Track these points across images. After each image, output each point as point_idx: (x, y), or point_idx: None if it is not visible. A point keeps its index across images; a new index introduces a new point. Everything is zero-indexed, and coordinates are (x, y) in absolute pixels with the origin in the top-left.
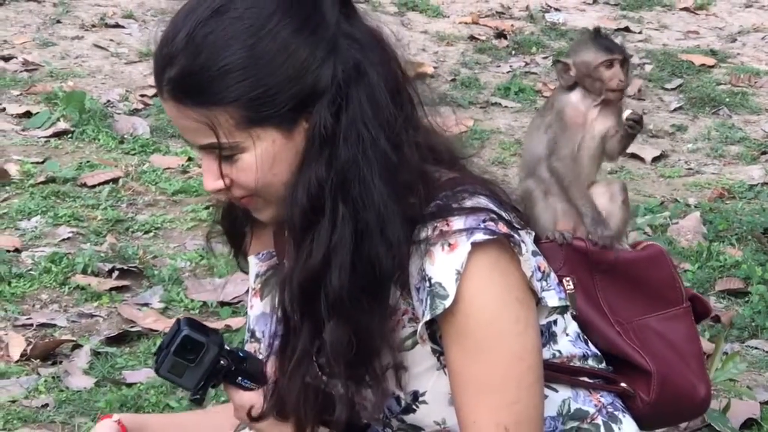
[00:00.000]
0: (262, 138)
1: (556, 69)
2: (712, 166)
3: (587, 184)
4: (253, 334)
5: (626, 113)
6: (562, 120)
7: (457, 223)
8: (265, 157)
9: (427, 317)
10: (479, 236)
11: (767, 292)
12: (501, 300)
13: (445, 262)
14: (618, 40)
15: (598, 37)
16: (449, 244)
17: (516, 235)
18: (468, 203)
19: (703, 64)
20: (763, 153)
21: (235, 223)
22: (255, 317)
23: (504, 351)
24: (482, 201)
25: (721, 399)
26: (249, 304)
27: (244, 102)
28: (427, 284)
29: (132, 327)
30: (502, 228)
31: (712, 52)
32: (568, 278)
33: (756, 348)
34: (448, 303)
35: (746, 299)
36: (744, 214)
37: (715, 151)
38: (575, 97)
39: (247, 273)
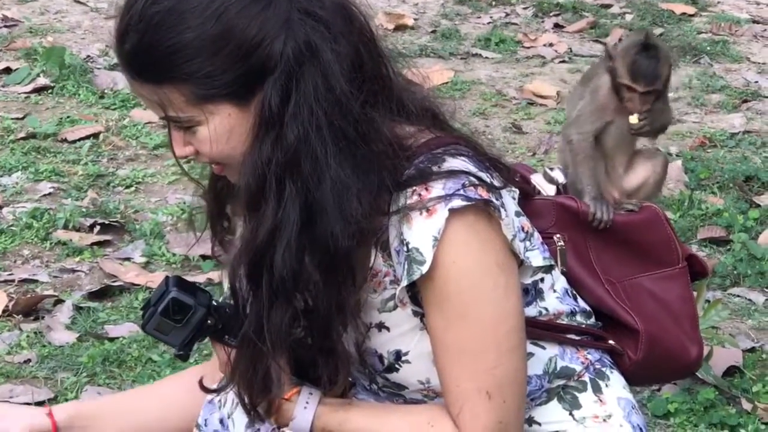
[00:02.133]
0: (215, 113)
1: (603, 51)
2: (694, 114)
3: (627, 157)
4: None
5: (632, 119)
6: (596, 97)
7: (436, 188)
8: (221, 131)
9: (405, 282)
10: (457, 202)
11: (749, 240)
12: (479, 265)
13: (423, 228)
14: (662, 64)
15: (641, 55)
16: (427, 210)
17: (495, 200)
18: (447, 165)
19: (683, 13)
20: (744, 101)
21: (219, 196)
22: None
23: (483, 316)
24: (462, 163)
25: (704, 347)
26: None
27: (194, 80)
28: (405, 249)
29: (114, 282)
30: (482, 193)
31: (693, 1)
32: (558, 235)
33: (738, 296)
34: (425, 269)
35: (728, 247)
36: (725, 163)
37: (696, 100)
38: (609, 80)
39: (220, 261)
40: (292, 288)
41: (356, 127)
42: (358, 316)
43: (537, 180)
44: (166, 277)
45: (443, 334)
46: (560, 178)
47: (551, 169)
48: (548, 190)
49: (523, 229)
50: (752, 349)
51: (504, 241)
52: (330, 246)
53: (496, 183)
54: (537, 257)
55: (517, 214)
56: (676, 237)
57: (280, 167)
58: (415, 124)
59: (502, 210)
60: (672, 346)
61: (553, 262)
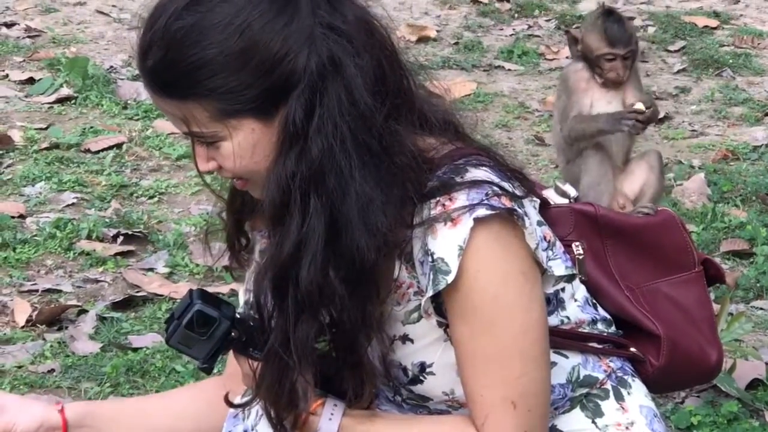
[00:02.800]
0: (239, 128)
1: (567, 38)
2: (716, 127)
3: (621, 165)
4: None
5: (639, 105)
6: (567, 85)
7: (460, 198)
8: (245, 146)
9: (430, 293)
10: (482, 211)
11: None
12: (504, 275)
13: (448, 238)
14: (629, 25)
15: (608, 20)
16: (452, 220)
17: (518, 209)
18: (470, 176)
19: (706, 26)
20: (767, 114)
21: (238, 213)
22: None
23: (508, 325)
24: (485, 173)
25: (727, 360)
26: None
27: (217, 96)
28: (430, 259)
29: (137, 292)
30: (505, 202)
31: (715, 14)
32: (577, 242)
33: (761, 309)
34: (450, 278)
35: (751, 260)
36: (748, 175)
37: (718, 113)
38: (581, 65)
39: (236, 280)
40: (318, 302)
41: (380, 140)
42: (383, 329)
43: (549, 195)
44: (190, 290)
45: (468, 343)
46: (572, 192)
47: (563, 183)
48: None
49: (545, 238)
50: None
51: (528, 250)
52: (356, 259)
53: (518, 192)
54: (559, 266)
55: (539, 224)
56: (691, 241)
57: (305, 181)
58: (437, 136)
59: (525, 219)
60: (692, 350)
61: (575, 271)
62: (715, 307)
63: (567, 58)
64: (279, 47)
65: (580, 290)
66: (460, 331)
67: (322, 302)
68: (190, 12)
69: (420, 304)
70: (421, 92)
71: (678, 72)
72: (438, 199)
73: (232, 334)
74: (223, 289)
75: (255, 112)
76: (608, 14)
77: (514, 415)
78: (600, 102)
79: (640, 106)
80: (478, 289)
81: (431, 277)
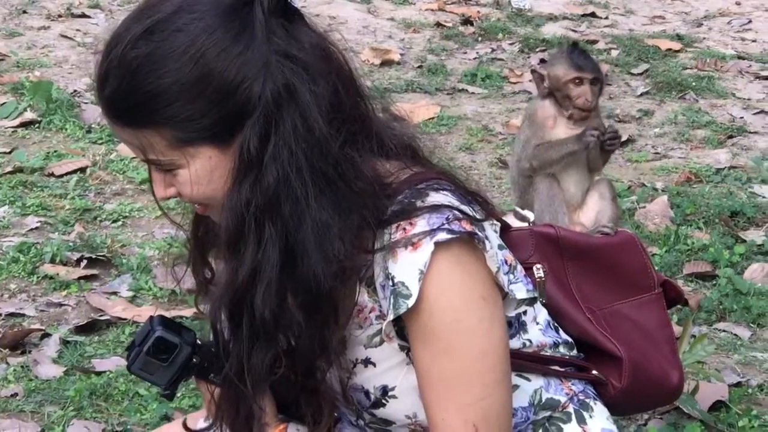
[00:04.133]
0: (196, 155)
1: (533, 77)
2: (679, 150)
3: (577, 203)
4: None
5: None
6: (533, 121)
7: (421, 222)
8: (202, 173)
9: (391, 317)
10: (442, 235)
11: (734, 275)
12: (465, 299)
13: (409, 262)
14: (593, 57)
15: (573, 52)
16: (412, 244)
17: (479, 232)
18: (430, 200)
19: (669, 49)
20: (730, 137)
21: (201, 242)
22: None
23: (469, 349)
24: (445, 197)
25: (690, 381)
26: None
27: (173, 124)
28: (391, 283)
29: (101, 316)
30: (466, 226)
31: (678, 37)
32: (538, 265)
33: (724, 331)
34: (411, 302)
35: (714, 282)
36: (711, 198)
37: (681, 136)
38: (547, 102)
39: (202, 314)
40: (273, 329)
41: (336, 167)
42: (342, 354)
43: (509, 220)
44: (151, 317)
45: (429, 367)
46: (531, 216)
47: (522, 208)
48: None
49: (506, 261)
50: (738, 384)
51: (488, 273)
52: (312, 286)
53: (479, 216)
54: (521, 290)
55: (500, 247)
56: (650, 262)
57: (260, 209)
58: (395, 161)
59: (486, 242)
60: (654, 372)
61: (536, 294)
62: (678, 329)
63: (530, 81)
64: (234, 75)
65: (542, 313)
66: (421, 354)
67: (278, 329)
68: (146, 41)
69: (381, 328)
70: (380, 117)
71: (641, 95)
72: (399, 223)
73: (194, 359)
74: (186, 312)
75: (211, 140)
76: (573, 47)
77: None
78: (561, 129)
79: (590, 132)
80: (439, 313)
81: (392, 301)
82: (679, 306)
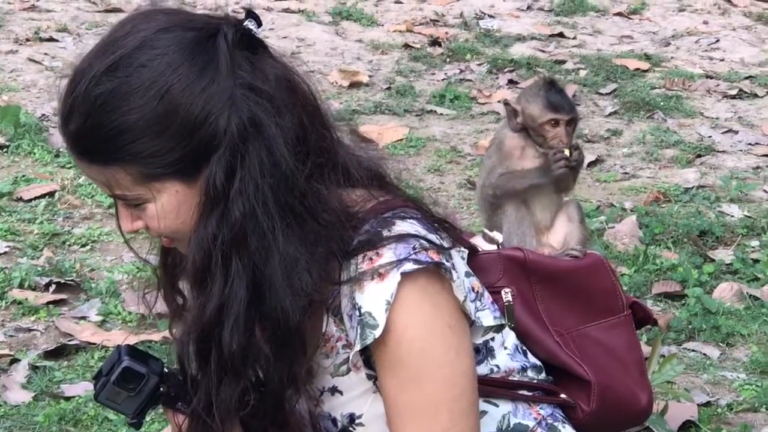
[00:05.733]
0: (162, 190)
1: (506, 110)
2: (648, 170)
3: (545, 226)
4: None
5: (566, 152)
6: (500, 149)
7: (387, 253)
8: (168, 207)
9: (358, 347)
10: (408, 266)
11: (703, 295)
12: (432, 328)
13: (375, 292)
14: (568, 95)
15: (550, 90)
16: (379, 274)
17: (446, 262)
18: (397, 229)
19: (637, 69)
20: (698, 156)
21: (170, 271)
22: None
23: (436, 378)
24: (411, 226)
25: (659, 401)
26: None
27: (139, 161)
28: (358, 313)
29: (70, 340)
30: (433, 256)
31: (646, 57)
32: (507, 289)
33: (693, 350)
34: (378, 333)
35: (683, 302)
36: (680, 218)
37: (650, 155)
38: (517, 134)
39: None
40: (241, 363)
41: (302, 200)
42: (310, 384)
43: (477, 242)
44: (118, 346)
45: (396, 396)
46: (499, 238)
47: (490, 230)
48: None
49: (473, 289)
50: (707, 404)
51: (455, 302)
52: (280, 320)
53: (446, 244)
54: (488, 317)
55: (467, 275)
56: (619, 284)
57: (226, 244)
58: (361, 189)
59: (453, 272)
60: (623, 394)
61: (504, 321)
62: (647, 349)
63: (499, 102)
64: (200, 110)
65: (510, 337)
66: (388, 384)
67: (246, 363)
68: (110, 77)
69: (348, 357)
70: (346, 145)
71: (610, 115)
72: (365, 253)
73: (161, 389)
74: (155, 336)
75: (178, 175)
76: (549, 85)
77: None
78: (528, 160)
79: (565, 151)
80: (406, 343)
81: (359, 331)
82: (648, 326)
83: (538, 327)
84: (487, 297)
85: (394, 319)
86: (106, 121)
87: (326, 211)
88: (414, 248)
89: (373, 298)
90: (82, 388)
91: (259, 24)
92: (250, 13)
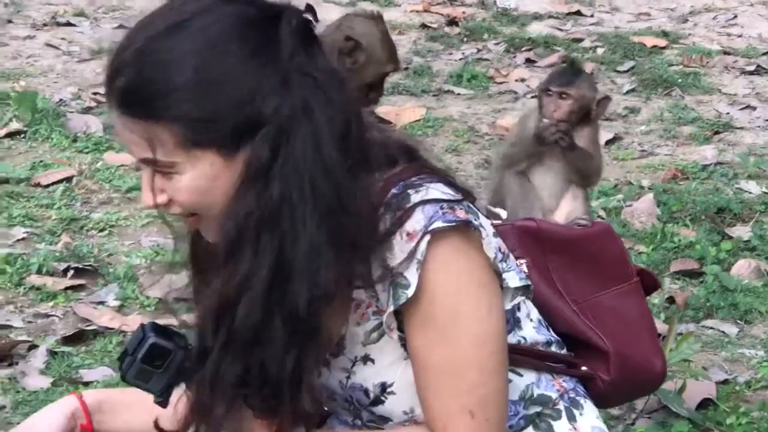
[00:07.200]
0: (200, 159)
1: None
2: (666, 147)
3: (551, 207)
4: None
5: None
6: (523, 127)
7: (416, 213)
8: (202, 180)
9: (391, 308)
10: (438, 224)
11: (721, 272)
12: (463, 286)
13: (406, 252)
14: (582, 78)
15: (562, 67)
16: (408, 234)
17: (474, 220)
18: (424, 190)
19: (654, 46)
20: (716, 133)
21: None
22: None
23: (466, 336)
24: (439, 187)
25: (677, 380)
26: None
27: (186, 121)
28: (389, 275)
29: (88, 326)
30: (461, 214)
31: (664, 34)
32: (522, 260)
33: (711, 328)
34: (410, 293)
35: (701, 279)
36: (697, 195)
37: (668, 132)
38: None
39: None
40: (250, 342)
41: (338, 193)
42: (341, 353)
43: None
44: (142, 324)
45: (427, 354)
46: (503, 213)
47: (493, 206)
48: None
49: (500, 249)
50: (725, 381)
51: (486, 260)
52: (292, 308)
53: (473, 206)
54: (514, 278)
55: (495, 235)
56: (627, 251)
57: (259, 221)
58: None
59: (482, 230)
60: (639, 361)
61: (529, 282)
62: (664, 327)
63: (516, 81)
64: (254, 83)
65: (534, 311)
66: (419, 342)
67: (255, 342)
68: (171, 35)
69: (380, 323)
70: (376, 135)
71: (627, 92)
72: (394, 214)
73: (186, 364)
74: (173, 321)
75: (218, 146)
76: (569, 63)
77: (472, 424)
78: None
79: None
80: (438, 301)
81: (391, 292)
82: (666, 304)
83: (555, 296)
84: (512, 259)
85: (425, 278)
86: (161, 76)
87: (360, 208)
88: (442, 207)
89: (403, 258)
90: (101, 373)
91: (317, 20)
92: (309, 8)
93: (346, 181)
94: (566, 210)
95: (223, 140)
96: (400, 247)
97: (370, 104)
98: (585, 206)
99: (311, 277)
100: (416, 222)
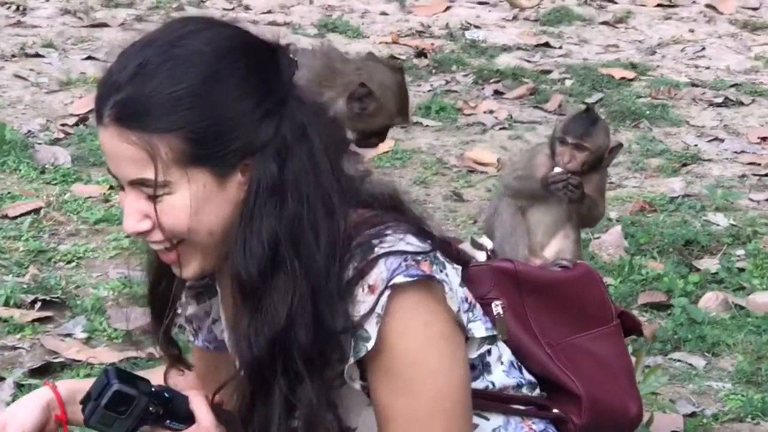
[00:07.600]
0: (194, 179)
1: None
2: (634, 179)
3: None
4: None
5: (555, 169)
6: (531, 160)
7: (379, 265)
8: (193, 201)
9: (352, 360)
10: (399, 279)
11: (689, 305)
12: (424, 339)
13: (367, 305)
14: (599, 127)
15: (577, 114)
16: (369, 286)
17: (438, 274)
18: (390, 241)
19: (623, 78)
20: (684, 165)
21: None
22: (189, 315)
23: (430, 388)
24: (406, 238)
25: (645, 413)
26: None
27: (187, 133)
28: (351, 326)
29: (55, 358)
30: (425, 268)
31: (632, 65)
32: (497, 301)
33: (679, 360)
34: (370, 345)
35: (668, 312)
36: (665, 227)
37: (636, 164)
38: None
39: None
40: (322, 364)
41: (329, 214)
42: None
43: (465, 248)
44: (105, 370)
45: (389, 406)
46: (488, 244)
47: (478, 235)
48: (478, 256)
49: (466, 299)
50: (693, 414)
51: (449, 313)
52: (324, 326)
53: (440, 257)
54: (479, 328)
55: (461, 285)
56: (608, 295)
57: (287, 240)
58: (371, 206)
59: (445, 284)
60: (613, 405)
61: (495, 333)
62: (632, 359)
63: (484, 112)
64: (254, 103)
65: (506, 353)
66: (381, 394)
67: (327, 363)
68: (172, 50)
69: (342, 371)
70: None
71: None
72: (356, 266)
73: (150, 409)
74: (140, 353)
75: (214, 166)
76: (585, 111)
77: None
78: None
79: (557, 169)
80: (398, 355)
81: (352, 344)
82: (634, 337)
83: (529, 339)
84: (479, 309)
85: (385, 332)
86: (163, 87)
87: (341, 232)
88: (406, 260)
89: (365, 311)
90: None
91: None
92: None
93: (338, 201)
94: (556, 249)
95: (220, 159)
96: (362, 299)
97: (369, 147)
98: (575, 247)
99: (330, 292)
100: (378, 275)
